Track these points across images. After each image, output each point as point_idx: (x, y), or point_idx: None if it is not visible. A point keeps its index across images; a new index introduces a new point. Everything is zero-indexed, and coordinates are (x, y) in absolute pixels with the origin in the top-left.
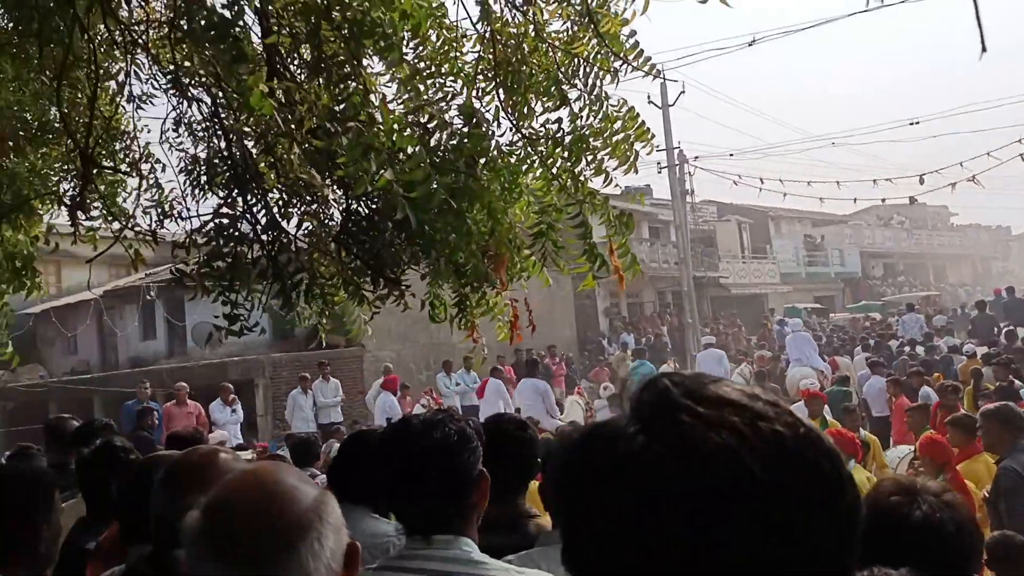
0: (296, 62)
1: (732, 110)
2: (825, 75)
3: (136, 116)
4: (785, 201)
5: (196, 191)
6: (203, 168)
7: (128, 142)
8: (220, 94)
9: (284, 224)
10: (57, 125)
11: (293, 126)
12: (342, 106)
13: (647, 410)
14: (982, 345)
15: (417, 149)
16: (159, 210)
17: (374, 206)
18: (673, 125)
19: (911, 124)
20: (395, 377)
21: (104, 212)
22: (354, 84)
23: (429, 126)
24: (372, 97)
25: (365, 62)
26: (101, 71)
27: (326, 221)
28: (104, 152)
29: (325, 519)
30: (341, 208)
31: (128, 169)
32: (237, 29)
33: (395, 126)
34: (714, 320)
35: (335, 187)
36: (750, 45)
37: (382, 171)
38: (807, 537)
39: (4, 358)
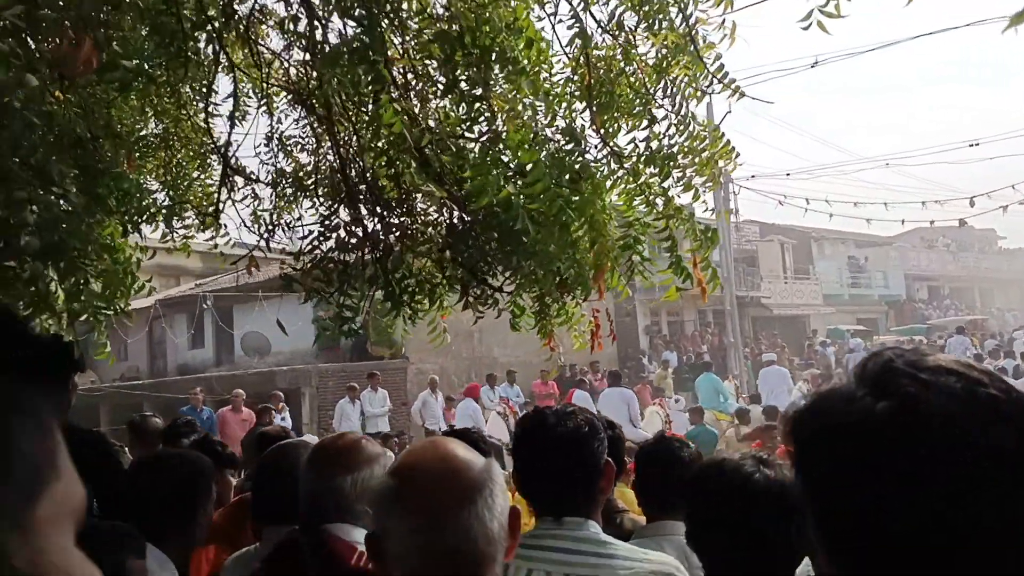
0: (421, 83)
1: (784, 130)
2: (880, 101)
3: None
4: (830, 223)
5: (298, 201)
6: (306, 180)
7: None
8: (338, 110)
9: (392, 233)
10: (152, 139)
11: (412, 142)
12: (467, 124)
13: (873, 377)
14: None
15: (537, 164)
16: (269, 219)
17: (479, 218)
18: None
19: (971, 146)
20: (476, 385)
21: (198, 223)
22: (483, 105)
23: (537, 142)
24: (498, 115)
25: (491, 82)
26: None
27: (435, 231)
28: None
29: (496, 480)
30: (446, 219)
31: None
32: (372, 53)
33: (520, 144)
34: (755, 340)
35: (447, 199)
36: (813, 66)
37: (504, 184)
38: (1011, 485)
39: (100, 357)
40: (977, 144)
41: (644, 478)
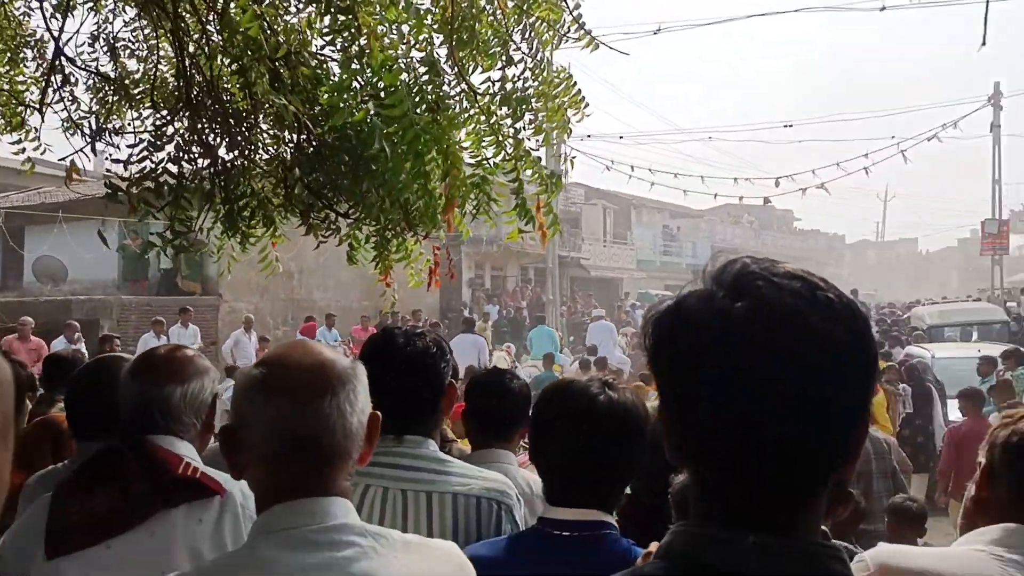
0: None
1: (616, 97)
2: (712, 75)
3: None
4: (650, 191)
5: (121, 111)
6: (132, 88)
7: (40, 52)
8: (187, 8)
9: (237, 147)
10: None
11: (268, 51)
12: (330, 36)
13: (731, 280)
14: None
15: (398, 87)
16: (91, 123)
17: (331, 139)
18: None
19: (785, 126)
20: (313, 324)
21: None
22: (349, 18)
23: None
24: (364, 32)
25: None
26: None
27: (282, 149)
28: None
29: (359, 378)
30: (295, 138)
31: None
32: None
33: (383, 64)
34: (572, 299)
35: (298, 117)
36: (655, 33)
37: (361, 105)
38: (843, 369)
39: None
40: (791, 125)
41: (475, 408)
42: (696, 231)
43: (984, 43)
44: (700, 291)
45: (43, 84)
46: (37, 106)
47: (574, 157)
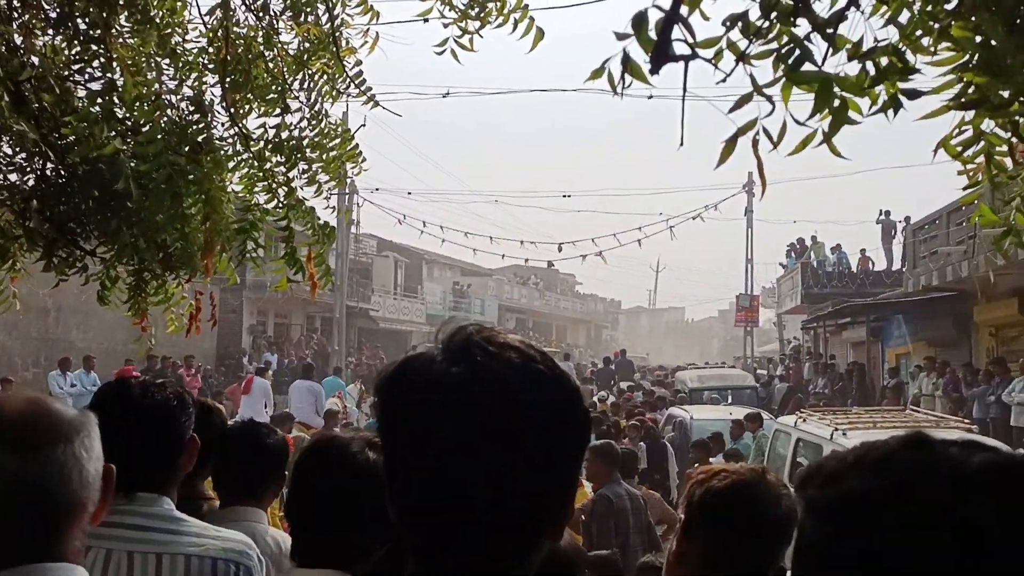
0: (28, 12)
1: (409, 152)
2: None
3: None
4: (441, 247)
5: None
6: None
7: None
8: None
9: None
10: None
11: (8, 74)
12: (79, 66)
13: (454, 347)
14: (603, 391)
15: (152, 124)
16: None
17: (78, 172)
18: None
19: (563, 196)
20: (130, 368)
21: None
22: (100, 48)
23: (159, 101)
24: (115, 65)
25: (113, 27)
26: None
27: (22, 178)
28: None
29: (92, 428)
30: (39, 167)
31: None
32: None
33: (137, 100)
34: (359, 350)
35: (41, 144)
36: (444, 96)
37: (112, 139)
38: (548, 436)
39: None
40: (569, 196)
41: (226, 464)
42: (485, 289)
43: (682, 144)
44: (424, 354)
45: None
46: None
47: (350, 210)
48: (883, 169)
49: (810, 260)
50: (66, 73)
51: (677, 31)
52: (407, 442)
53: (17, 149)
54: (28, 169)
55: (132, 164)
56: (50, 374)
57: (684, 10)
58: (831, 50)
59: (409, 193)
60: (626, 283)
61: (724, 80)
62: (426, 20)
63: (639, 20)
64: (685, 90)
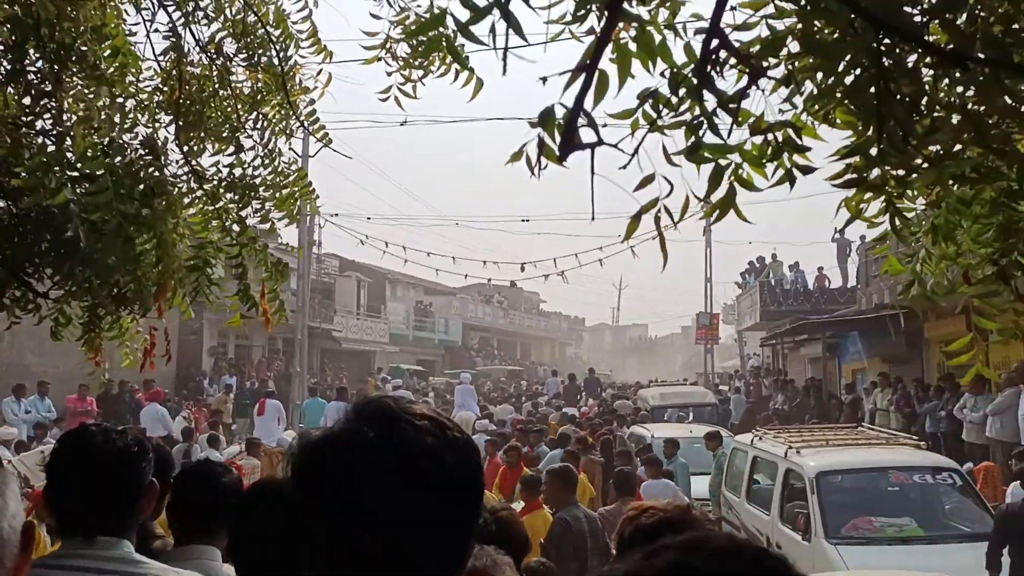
0: None
1: (371, 175)
2: (462, 164)
3: None
4: (404, 267)
5: None
6: None
7: None
8: None
9: None
10: None
11: None
12: (31, 118)
13: (376, 418)
14: (570, 406)
15: (102, 173)
16: None
17: (30, 216)
18: (313, 177)
19: (523, 220)
20: (159, 390)
21: None
22: (52, 100)
23: (110, 150)
24: (66, 117)
25: (65, 81)
26: None
27: None
28: None
29: (10, 484)
30: None
31: None
32: None
33: (87, 150)
34: (322, 371)
35: None
36: (402, 124)
37: (63, 187)
38: (463, 494)
39: None
40: (527, 220)
41: (180, 503)
42: (449, 308)
43: (593, 218)
44: (348, 426)
45: None
46: None
47: (311, 238)
48: (834, 193)
49: (768, 279)
50: (19, 123)
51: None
52: (331, 507)
53: None
54: None
55: (83, 212)
56: (3, 400)
57: (589, 103)
58: (734, 124)
59: (368, 219)
60: (590, 301)
61: (625, 167)
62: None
63: (545, 115)
64: (593, 173)
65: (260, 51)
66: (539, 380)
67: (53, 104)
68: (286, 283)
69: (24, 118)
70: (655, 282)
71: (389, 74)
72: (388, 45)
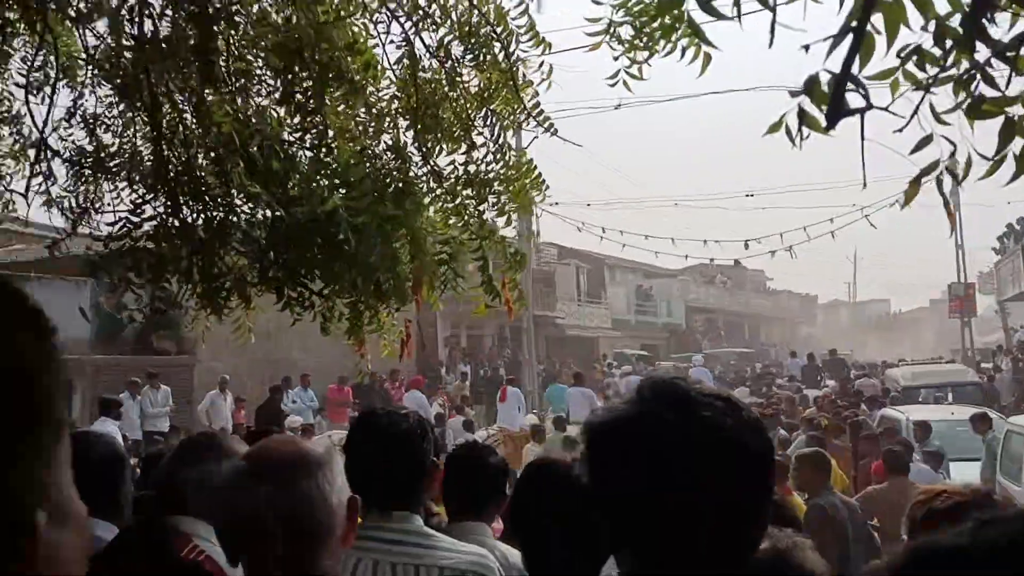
0: (261, 90)
1: (588, 162)
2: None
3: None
4: (622, 252)
5: (98, 184)
6: (108, 161)
7: (18, 127)
8: (164, 100)
9: (213, 228)
10: None
11: (240, 144)
12: (300, 134)
13: (673, 400)
14: (811, 388)
15: (363, 179)
16: (72, 202)
17: (303, 223)
18: None
19: (746, 196)
20: (420, 378)
21: None
22: (316, 118)
23: (366, 157)
24: (330, 130)
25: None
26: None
27: (258, 231)
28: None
29: (334, 463)
30: (270, 221)
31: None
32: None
33: (350, 160)
34: (548, 359)
35: (272, 202)
36: (616, 108)
37: (330, 195)
38: (758, 470)
39: None
40: (752, 195)
41: (452, 482)
42: (670, 290)
43: (865, 185)
44: (645, 408)
45: (26, 160)
46: (22, 192)
47: (536, 232)
48: None
49: None
50: (291, 140)
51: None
52: (630, 476)
53: (252, 206)
54: (261, 222)
55: (347, 215)
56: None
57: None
58: (1013, 73)
59: (588, 205)
60: (821, 276)
61: (901, 130)
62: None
63: (811, 82)
64: (863, 139)
65: (484, 50)
66: (773, 362)
67: (319, 120)
68: (522, 273)
69: (294, 134)
70: (895, 253)
71: (616, 58)
72: (612, 29)
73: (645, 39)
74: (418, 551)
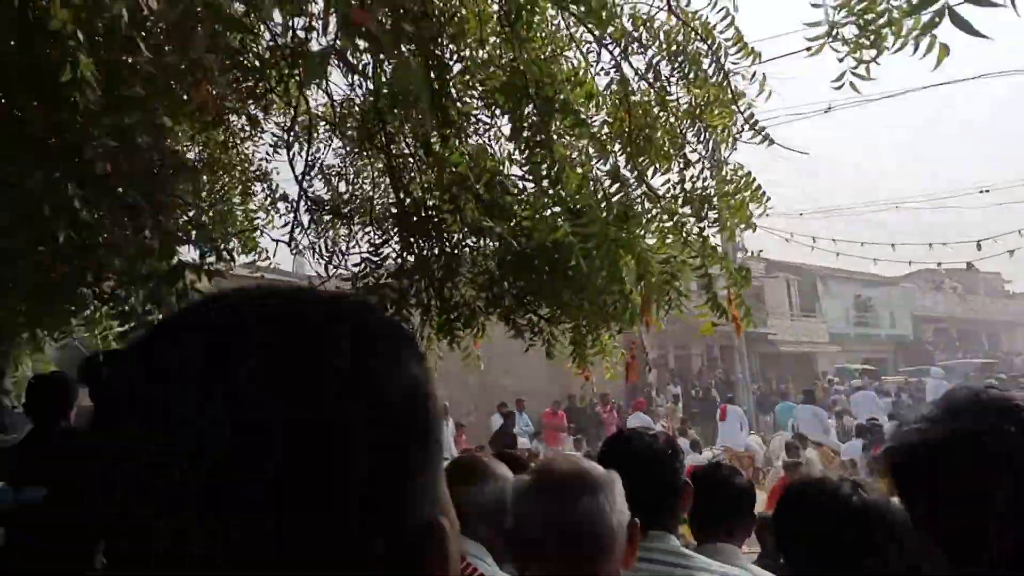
0: (489, 128)
1: (797, 170)
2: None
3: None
4: (836, 261)
5: (352, 230)
6: (343, 208)
7: (267, 183)
8: (405, 148)
9: (449, 263)
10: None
11: (474, 180)
12: (528, 167)
13: (1002, 414)
14: None
15: (591, 206)
16: (328, 246)
17: (532, 252)
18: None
19: (980, 192)
20: (643, 400)
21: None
22: (544, 151)
23: (591, 184)
24: (556, 161)
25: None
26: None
27: (491, 263)
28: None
29: (615, 484)
30: (501, 252)
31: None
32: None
33: (578, 187)
34: (762, 376)
35: (503, 235)
36: (826, 111)
37: (558, 224)
38: None
39: None
40: (987, 191)
41: (697, 503)
42: (892, 300)
43: None
44: (976, 424)
45: (276, 212)
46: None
47: (748, 252)
48: None
49: None
50: (519, 172)
51: None
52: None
53: (484, 238)
54: (492, 253)
55: (576, 242)
56: (492, 417)
57: None
58: None
59: (801, 214)
60: None
61: None
62: (813, 53)
63: None
64: None
65: (693, 67)
66: (1020, 371)
67: (547, 153)
68: (748, 288)
69: (522, 169)
70: None
71: (840, 60)
72: (834, 31)
73: (872, 37)
74: (677, 572)
